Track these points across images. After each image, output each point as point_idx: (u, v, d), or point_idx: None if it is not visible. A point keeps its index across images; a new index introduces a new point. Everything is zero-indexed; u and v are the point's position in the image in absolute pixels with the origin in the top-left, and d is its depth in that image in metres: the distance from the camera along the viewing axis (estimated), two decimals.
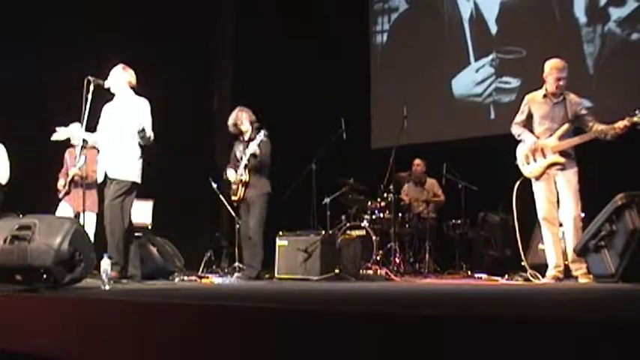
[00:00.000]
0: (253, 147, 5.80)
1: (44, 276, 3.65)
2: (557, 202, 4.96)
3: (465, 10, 8.50)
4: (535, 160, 4.97)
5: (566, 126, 4.89)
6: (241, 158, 5.95)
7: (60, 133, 5.39)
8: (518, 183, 5.12)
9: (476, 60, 8.34)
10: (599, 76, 7.31)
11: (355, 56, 9.04)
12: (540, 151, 4.94)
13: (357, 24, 9.31)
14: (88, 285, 4.05)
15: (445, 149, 7.88)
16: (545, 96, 5.00)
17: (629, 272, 4.23)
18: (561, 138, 4.89)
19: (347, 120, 6.80)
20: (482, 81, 8.24)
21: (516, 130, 5.12)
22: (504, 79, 8.06)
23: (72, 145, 6.62)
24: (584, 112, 4.94)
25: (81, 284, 3.95)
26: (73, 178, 6.29)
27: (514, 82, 7.98)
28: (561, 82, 4.90)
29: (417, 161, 7.66)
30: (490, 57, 8.18)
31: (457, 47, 8.47)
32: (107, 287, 3.86)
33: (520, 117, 5.12)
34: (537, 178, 4.99)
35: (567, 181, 4.87)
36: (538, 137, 4.99)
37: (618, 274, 4.28)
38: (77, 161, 5.63)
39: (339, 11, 8.93)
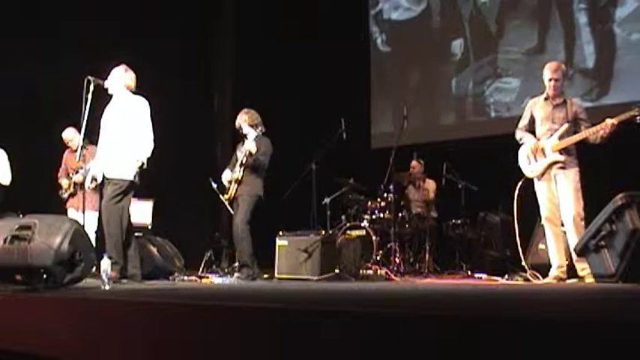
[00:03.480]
0: (249, 144, 5.83)
1: (44, 276, 3.65)
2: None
3: (465, 10, 8.50)
4: (536, 160, 5.01)
5: (566, 126, 4.92)
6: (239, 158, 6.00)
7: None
8: (520, 184, 5.14)
9: (476, 60, 8.34)
10: (599, 76, 7.31)
11: (355, 56, 9.03)
12: (541, 151, 4.99)
13: (357, 24, 9.31)
14: (88, 285, 4.05)
15: (445, 149, 7.88)
16: (546, 99, 5.06)
17: (629, 272, 4.23)
18: (562, 138, 4.92)
19: (347, 120, 6.80)
20: (483, 81, 8.23)
21: (519, 134, 5.19)
22: (504, 79, 8.06)
23: (69, 147, 6.65)
24: (582, 116, 4.98)
25: (81, 284, 3.95)
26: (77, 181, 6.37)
27: (514, 82, 7.98)
28: (552, 83, 4.97)
29: (414, 163, 7.67)
30: (490, 57, 8.18)
31: (457, 47, 8.47)
32: (107, 287, 3.86)
33: (523, 122, 5.19)
34: (539, 178, 5.03)
35: (568, 180, 4.89)
36: (539, 139, 5.04)
37: (618, 274, 4.28)
38: (85, 166, 5.68)
39: (339, 11, 8.93)
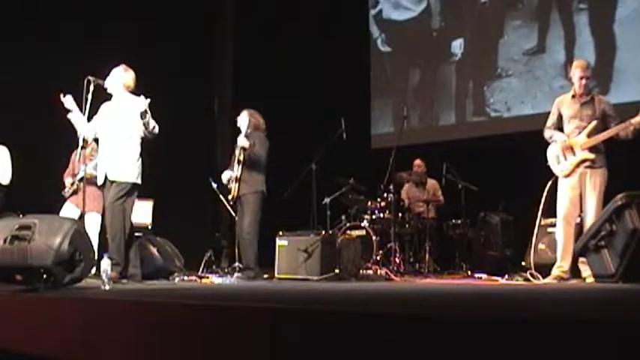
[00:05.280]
0: (240, 141, 5.89)
1: (44, 276, 3.65)
2: (580, 201, 4.95)
3: (465, 10, 8.49)
4: (565, 159, 4.99)
5: (594, 123, 4.89)
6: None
7: (67, 100, 5.20)
8: (550, 182, 5.11)
9: (476, 60, 8.33)
10: (599, 76, 7.30)
11: (355, 56, 9.03)
12: (570, 149, 4.96)
13: (357, 24, 9.30)
14: (88, 285, 4.05)
15: (445, 149, 7.88)
16: (573, 96, 5.05)
17: (629, 272, 4.24)
18: (590, 135, 4.89)
19: (347, 120, 6.80)
20: (483, 81, 8.23)
21: (548, 133, 5.15)
22: (504, 79, 8.06)
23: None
24: (611, 112, 4.97)
25: (81, 284, 3.95)
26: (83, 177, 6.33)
27: (514, 82, 7.98)
28: (584, 81, 4.98)
29: (418, 162, 7.66)
30: (490, 57, 8.18)
31: (457, 47, 8.46)
32: (107, 287, 3.86)
33: (551, 120, 5.17)
34: (567, 176, 4.99)
35: (594, 180, 4.86)
36: (568, 136, 5.01)
37: (618, 274, 4.29)
38: (85, 162, 5.64)
39: (339, 11, 8.93)
